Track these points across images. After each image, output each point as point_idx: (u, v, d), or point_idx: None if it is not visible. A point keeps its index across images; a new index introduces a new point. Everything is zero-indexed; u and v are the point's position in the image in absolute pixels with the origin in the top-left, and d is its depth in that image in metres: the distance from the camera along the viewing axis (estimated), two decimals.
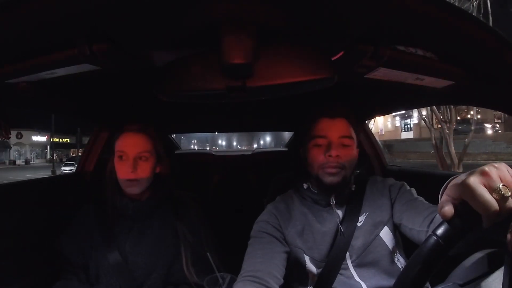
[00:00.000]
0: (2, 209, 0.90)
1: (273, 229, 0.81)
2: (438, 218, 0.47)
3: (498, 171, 0.37)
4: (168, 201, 0.98)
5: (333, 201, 0.83)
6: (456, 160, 6.79)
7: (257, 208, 0.94)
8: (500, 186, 0.36)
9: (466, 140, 6.90)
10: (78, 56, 0.53)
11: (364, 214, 0.83)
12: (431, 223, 0.67)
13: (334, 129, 0.80)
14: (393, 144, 18.36)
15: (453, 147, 6.81)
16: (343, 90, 0.94)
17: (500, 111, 0.82)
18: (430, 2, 0.43)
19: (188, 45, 0.59)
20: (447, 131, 6.91)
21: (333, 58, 0.61)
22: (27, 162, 32.03)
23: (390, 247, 0.80)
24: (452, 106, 6.87)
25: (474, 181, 0.36)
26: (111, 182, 0.91)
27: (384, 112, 1.53)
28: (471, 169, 0.41)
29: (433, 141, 7.33)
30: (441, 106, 6.89)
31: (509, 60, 0.51)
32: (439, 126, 7.14)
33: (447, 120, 7.01)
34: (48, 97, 0.92)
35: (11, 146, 31.65)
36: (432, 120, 7.65)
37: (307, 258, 0.81)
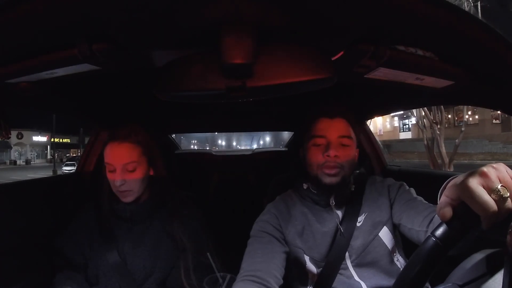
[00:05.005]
0: (4, 209, 0.90)
1: (273, 229, 0.81)
2: (438, 218, 0.47)
3: (497, 171, 0.37)
4: (168, 202, 0.96)
5: (332, 201, 0.83)
6: (446, 160, 7.01)
7: (257, 208, 0.94)
8: (499, 187, 0.36)
9: (457, 140, 7.04)
10: (78, 56, 0.53)
11: (363, 215, 0.83)
12: (430, 223, 0.67)
13: (333, 129, 0.80)
14: (392, 144, 18.45)
15: (443, 147, 7.02)
16: (343, 90, 0.94)
17: (499, 111, 0.82)
18: (430, 2, 0.43)
19: (188, 45, 0.59)
20: (438, 132, 7.07)
21: (333, 58, 0.61)
22: (27, 162, 32.05)
23: (389, 247, 0.80)
24: (442, 108, 7.10)
25: (473, 182, 0.36)
26: (107, 188, 0.90)
27: (384, 112, 1.53)
28: (467, 169, 0.41)
29: (425, 142, 7.57)
30: (432, 108, 7.06)
31: (509, 60, 0.51)
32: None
33: (438, 122, 7.14)
34: (48, 97, 0.92)
35: (12, 146, 31.67)
36: (423, 122, 7.82)
37: (307, 258, 0.81)
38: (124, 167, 0.86)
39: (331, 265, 0.79)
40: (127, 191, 0.87)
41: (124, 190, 0.87)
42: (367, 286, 0.76)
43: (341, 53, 0.60)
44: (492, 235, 0.46)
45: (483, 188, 0.36)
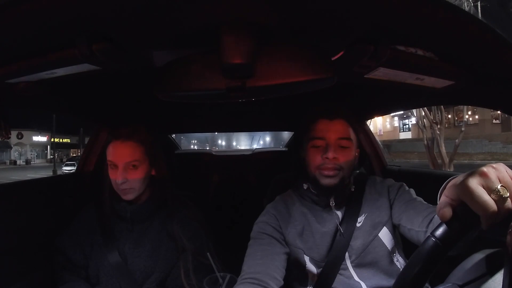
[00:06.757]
0: (4, 208, 0.90)
1: (273, 230, 0.81)
2: (437, 219, 0.48)
3: (497, 171, 0.37)
4: (168, 203, 0.96)
5: (332, 202, 0.83)
6: (447, 160, 7.02)
7: (257, 208, 0.94)
8: (499, 187, 0.35)
9: (457, 140, 7.05)
10: (78, 56, 0.54)
11: (363, 215, 0.83)
12: (430, 223, 0.67)
13: (332, 130, 0.80)
14: (392, 144, 18.45)
15: (443, 147, 7.03)
16: (343, 90, 0.94)
17: (500, 111, 0.82)
18: (430, 2, 0.43)
19: (188, 45, 0.59)
20: (438, 132, 7.09)
21: (333, 58, 0.61)
22: (27, 162, 32.03)
23: (389, 248, 0.80)
24: (442, 108, 7.11)
25: (472, 182, 0.36)
26: (108, 187, 0.91)
27: (384, 112, 1.53)
28: (467, 169, 0.41)
29: (425, 142, 7.59)
30: (432, 108, 7.09)
31: (509, 60, 0.51)
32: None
33: (438, 122, 7.15)
34: (48, 97, 0.92)
35: (12, 146, 31.67)
36: (423, 121, 7.84)
37: (306, 258, 0.81)
38: (126, 166, 0.86)
39: (331, 265, 0.79)
40: (127, 188, 0.87)
41: (125, 188, 0.87)
42: (367, 286, 0.76)
43: (341, 53, 0.60)
44: (492, 235, 0.46)
45: (483, 188, 0.36)
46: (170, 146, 2.33)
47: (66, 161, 23.70)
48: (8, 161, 31.09)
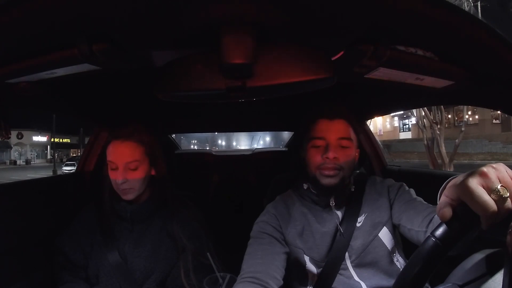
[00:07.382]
0: (4, 209, 0.90)
1: (273, 230, 0.81)
2: (437, 219, 0.48)
3: (497, 171, 0.37)
4: (168, 203, 0.96)
5: (332, 202, 0.83)
6: (447, 160, 7.06)
7: (257, 208, 0.94)
8: (499, 187, 0.36)
9: (457, 140, 7.06)
10: (78, 56, 0.53)
11: (363, 215, 0.83)
12: (430, 223, 0.67)
13: (332, 130, 0.80)
14: (392, 144, 18.46)
15: (443, 147, 7.05)
16: (343, 90, 0.94)
17: (500, 111, 0.82)
18: (430, 2, 0.43)
19: (188, 45, 0.59)
20: (438, 132, 7.10)
21: (333, 58, 0.61)
22: (27, 162, 32.03)
23: (389, 248, 0.80)
24: (442, 108, 7.14)
25: (472, 182, 0.36)
26: (108, 187, 0.91)
27: (384, 112, 1.53)
28: (467, 169, 0.41)
29: (425, 142, 7.63)
30: (432, 108, 7.10)
31: (509, 60, 0.51)
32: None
33: (438, 122, 7.16)
34: (48, 97, 0.92)
35: (12, 146, 31.67)
36: (423, 121, 7.86)
37: (306, 258, 0.81)
38: (127, 166, 0.86)
39: (331, 265, 0.79)
40: (127, 188, 0.87)
41: (125, 188, 0.87)
42: (367, 286, 0.76)
43: (341, 53, 0.60)
44: (492, 235, 0.46)
45: (483, 188, 0.36)
46: (170, 146, 2.33)
47: (66, 161, 23.72)
48: (8, 161, 31.08)
